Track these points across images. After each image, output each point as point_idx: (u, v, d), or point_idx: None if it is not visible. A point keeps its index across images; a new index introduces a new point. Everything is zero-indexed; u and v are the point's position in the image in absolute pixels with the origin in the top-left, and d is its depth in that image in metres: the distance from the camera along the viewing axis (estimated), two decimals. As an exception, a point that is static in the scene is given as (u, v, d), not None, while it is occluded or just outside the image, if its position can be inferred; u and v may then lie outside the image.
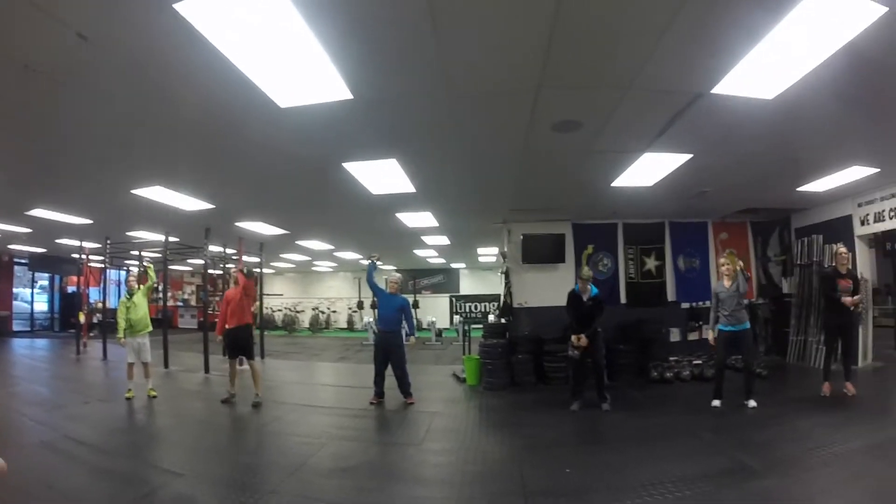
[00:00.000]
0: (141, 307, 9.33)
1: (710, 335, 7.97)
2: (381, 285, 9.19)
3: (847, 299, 7.74)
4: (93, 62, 4.29)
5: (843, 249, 8.19)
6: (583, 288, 8.13)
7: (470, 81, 4.77)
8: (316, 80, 4.59)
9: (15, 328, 21.91)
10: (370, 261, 9.28)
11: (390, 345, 8.80)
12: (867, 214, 9.88)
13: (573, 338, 7.94)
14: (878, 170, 8.08)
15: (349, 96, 4.89)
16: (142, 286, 9.50)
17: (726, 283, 7.80)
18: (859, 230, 10.12)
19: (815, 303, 10.70)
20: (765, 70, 4.49)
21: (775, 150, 6.86)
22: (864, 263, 10.24)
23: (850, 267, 8.25)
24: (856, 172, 8.24)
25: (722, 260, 8.05)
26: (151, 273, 9.65)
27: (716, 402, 7.69)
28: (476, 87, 4.88)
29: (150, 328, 9.53)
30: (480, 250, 19.85)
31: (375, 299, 9.56)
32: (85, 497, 4.81)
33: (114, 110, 5.41)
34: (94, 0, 3.50)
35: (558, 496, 4.71)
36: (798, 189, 9.10)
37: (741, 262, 7.80)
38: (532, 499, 4.68)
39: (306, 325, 28.75)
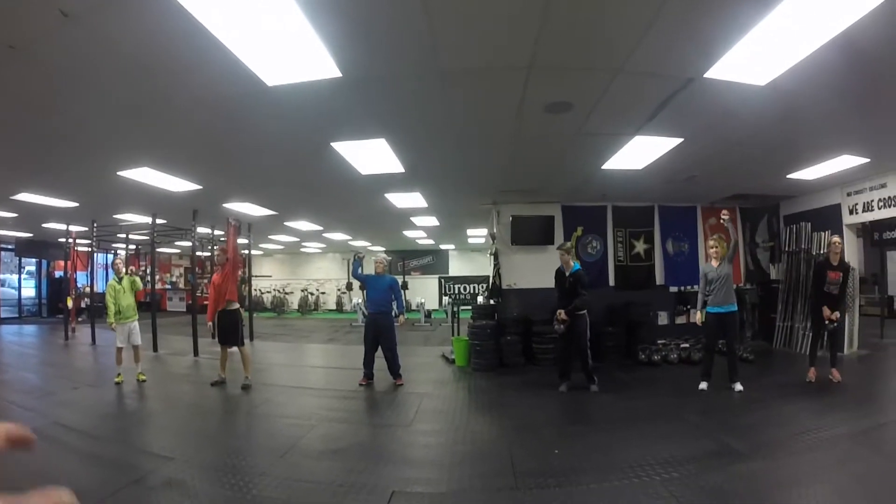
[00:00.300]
0: (128, 296, 9.28)
1: (697, 316, 8.02)
2: (369, 269, 9.20)
3: (826, 312, 7.85)
4: (74, 40, 4.22)
5: (836, 239, 8.23)
6: (563, 262, 8.16)
7: (461, 60, 4.71)
8: (304, 57, 4.51)
9: (2, 315, 21.73)
10: (355, 258, 9.30)
11: (381, 326, 8.82)
12: (856, 204, 9.95)
13: (557, 312, 7.99)
14: (868, 160, 8.14)
15: (338, 74, 4.82)
16: (129, 275, 9.41)
17: (714, 263, 7.84)
18: (848, 219, 10.20)
19: (802, 289, 10.79)
20: (758, 56, 4.46)
21: (766, 136, 6.86)
22: (852, 252, 10.30)
23: (842, 258, 8.29)
24: (846, 161, 8.28)
25: (711, 242, 8.06)
26: (139, 283, 9.56)
27: (703, 385, 7.76)
28: (467, 66, 4.82)
29: (137, 317, 9.48)
30: (470, 231, 19.84)
31: (363, 287, 9.52)
32: (75, 483, 4.72)
33: (97, 90, 5.33)
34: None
35: (547, 476, 4.75)
36: (788, 176, 9.13)
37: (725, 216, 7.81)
38: (521, 479, 4.73)
39: (295, 306, 28.72)
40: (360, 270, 9.11)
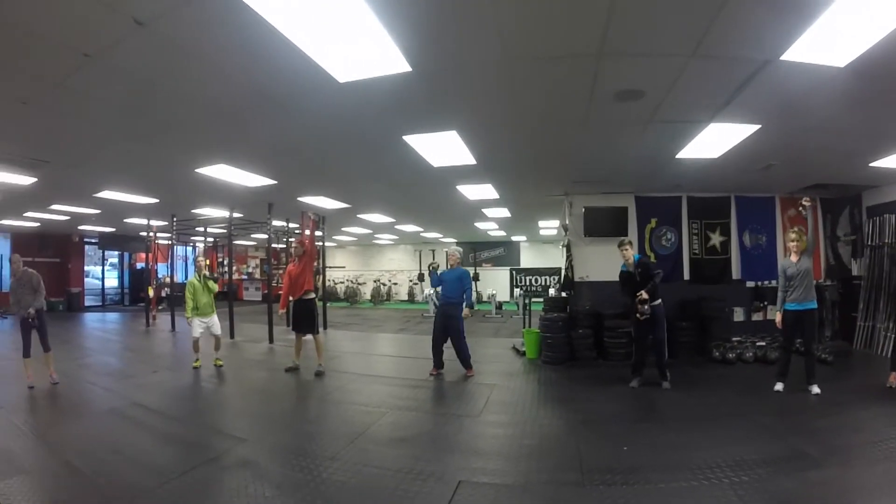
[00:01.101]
0: (206, 294, 9.67)
1: (777, 316, 7.67)
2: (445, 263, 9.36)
3: None
4: (147, 47, 4.42)
5: None
6: (626, 257, 8.03)
7: (529, 49, 4.67)
8: (374, 53, 4.57)
9: (87, 303, 23.06)
10: (430, 269, 9.75)
11: (449, 317, 8.89)
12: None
13: (638, 294, 7.82)
14: (959, 148, 7.63)
15: (408, 69, 4.87)
16: (208, 280, 9.79)
17: (794, 258, 7.53)
18: (936, 211, 9.54)
19: (886, 287, 10.19)
20: (836, 36, 4.25)
21: (846, 121, 6.49)
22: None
23: None
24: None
25: (791, 234, 7.74)
26: (215, 286, 9.92)
27: (778, 386, 7.49)
28: (535, 54, 4.77)
29: (215, 312, 9.87)
30: (541, 223, 19.69)
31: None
32: (153, 460, 5.06)
33: (176, 93, 5.58)
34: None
35: (614, 473, 4.71)
36: (871, 164, 8.60)
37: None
38: (588, 475, 4.71)
39: (368, 297, 29.15)
40: (435, 281, 9.40)
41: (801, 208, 7.49)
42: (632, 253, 8.04)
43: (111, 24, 3.99)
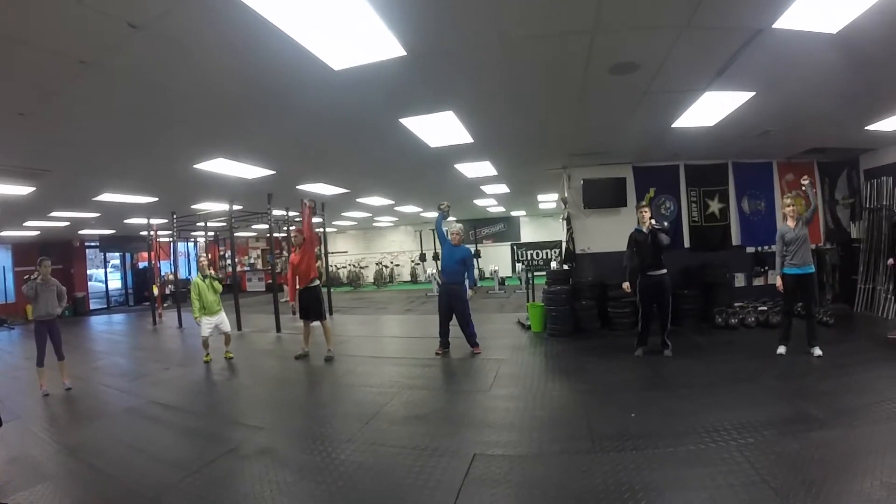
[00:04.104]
0: (211, 293, 9.71)
1: (777, 281, 7.77)
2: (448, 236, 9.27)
3: None
4: (144, 50, 4.46)
5: None
6: (643, 219, 8.11)
7: (523, 26, 4.68)
8: (368, 39, 4.60)
9: (92, 307, 23.14)
10: (439, 210, 9.47)
11: (454, 296, 8.97)
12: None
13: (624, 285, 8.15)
14: (955, 109, 7.65)
15: (402, 53, 4.89)
16: (211, 279, 9.81)
17: (790, 223, 7.62)
18: (933, 172, 9.57)
19: (885, 249, 10.21)
20: (828, 2, 4.30)
21: (840, 86, 6.52)
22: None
23: None
24: (930, 111, 7.80)
25: (787, 200, 7.83)
26: (218, 286, 9.95)
27: (781, 349, 7.62)
28: (530, 31, 4.78)
29: (222, 309, 9.91)
30: (541, 197, 19.61)
31: (439, 252, 9.63)
32: (174, 455, 5.17)
33: (174, 93, 5.63)
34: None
35: (624, 440, 4.84)
36: (866, 128, 8.63)
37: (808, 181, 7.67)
38: (598, 442, 4.84)
39: (371, 280, 29.19)
40: (442, 225, 9.28)
41: (801, 187, 7.54)
42: (649, 215, 8.11)
43: (106, 29, 4.02)
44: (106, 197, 11.46)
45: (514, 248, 26.80)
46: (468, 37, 4.81)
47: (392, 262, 29.87)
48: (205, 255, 10.69)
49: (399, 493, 4.15)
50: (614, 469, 4.27)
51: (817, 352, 7.34)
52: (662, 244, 7.90)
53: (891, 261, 8.05)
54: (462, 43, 4.94)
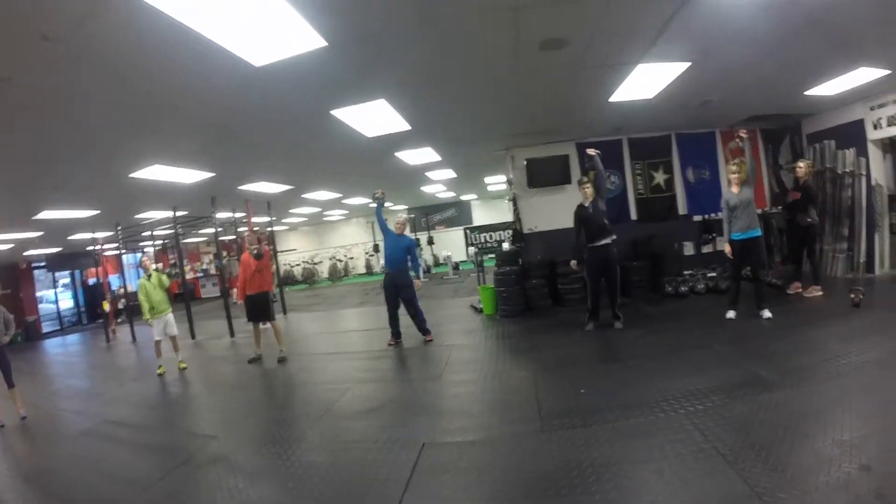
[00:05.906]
0: (159, 291, 9.49)
1: (726, 247, 7.83)
2: (391, 225, 9.14)
3: None
4: (60, 61, 4.33)
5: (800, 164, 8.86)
6: (586, 194, 8.14)
7: (443, 5, 4.56)
8: (286, 33, 4.48)
9: (45, 329, 22.19)
10: (374, 199, 9.30)
11: (399, 284, 8.88)
12: (880, 118, 9.55)
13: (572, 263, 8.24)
14: (889, 71, 7.78)
15: (323, 43, 4.76)
16: (156, 272, 9.62)
17: (735, 189, 7.70)
18: (872, 134, 9.78)
19: (830, 210, 10.51)
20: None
21: (776, 53, 6.57)
22: (878, 169, 9.94)
23: (807, 178, 8.75)
24: (865, 74, 7.92)
25: (732, 167, 7.91)
26: (165, 280, 9.73)
27: (730, 314, 7.74)
28: (451, 11, 4.67)
29: (171, 309, 9.73)
30: (488, 179, 19.65)
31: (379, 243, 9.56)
32: (128, 472, 5.05)
33: (97, 102, 5.48)
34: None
35: (573, 416, 4.84)
36: (806, 93, 8.77)
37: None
38: (547, 421, 4.85)
39: (326, 275, 28.92)
40: (382, 214, 9.13)
41: (737, 139, 7.65)
42: (592, 190, 8.10)
43: (21, 43, 3.88)
44: (46, 214, 11.10)
45: (467, 231, 26.88)
46: (387, 19, 4.67)
47: (346, 256, 29.59)
48: (148, 257, 10.43)
49: (349, 490, 4.09)
50: (562, 448, 4.26)
51: (767, 314, 7.46)
52: (601, 172, 8.16)
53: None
54: (381, 26, 4.80)
